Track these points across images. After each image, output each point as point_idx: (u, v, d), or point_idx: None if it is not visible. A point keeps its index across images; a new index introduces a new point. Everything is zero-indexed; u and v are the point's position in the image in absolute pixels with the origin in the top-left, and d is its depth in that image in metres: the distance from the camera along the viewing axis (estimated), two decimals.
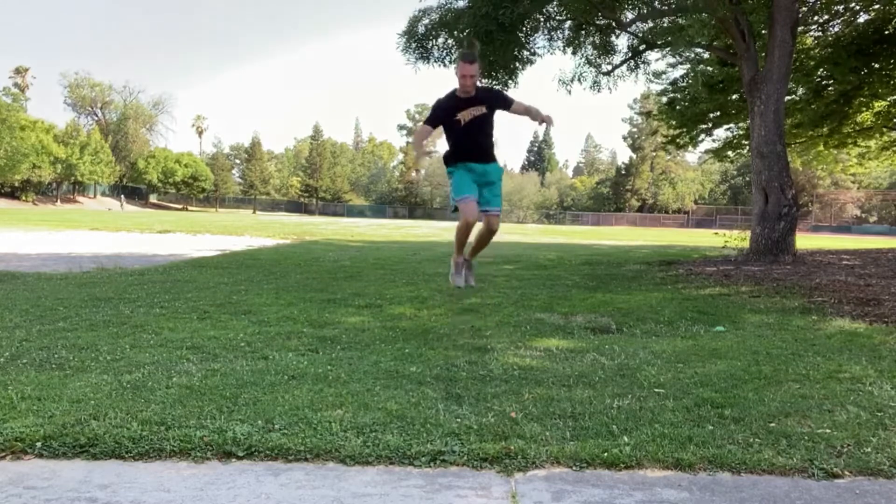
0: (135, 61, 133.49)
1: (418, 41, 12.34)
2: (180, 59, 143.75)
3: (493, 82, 12.77)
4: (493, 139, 4.87)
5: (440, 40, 12.41)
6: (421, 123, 4.82)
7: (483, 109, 4.68)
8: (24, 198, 56.89)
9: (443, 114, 4.71)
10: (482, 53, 11.76)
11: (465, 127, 4.69)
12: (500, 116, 4.79)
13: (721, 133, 19.70)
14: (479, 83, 4.72)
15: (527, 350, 4.76)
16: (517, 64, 12.60)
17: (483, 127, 4.75)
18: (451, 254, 5.04)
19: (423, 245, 18.59)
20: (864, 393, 3.74)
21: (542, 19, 12.13)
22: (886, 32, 13.98)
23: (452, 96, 4.70)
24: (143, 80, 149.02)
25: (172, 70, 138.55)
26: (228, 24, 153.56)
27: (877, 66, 14.81)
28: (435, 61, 12.59)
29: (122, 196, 66.77)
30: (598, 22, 12.69)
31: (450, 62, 12.58)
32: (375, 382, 3.79)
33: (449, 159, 4.85)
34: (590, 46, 13.17)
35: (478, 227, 4.96)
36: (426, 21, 12.22)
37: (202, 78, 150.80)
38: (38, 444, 2.77)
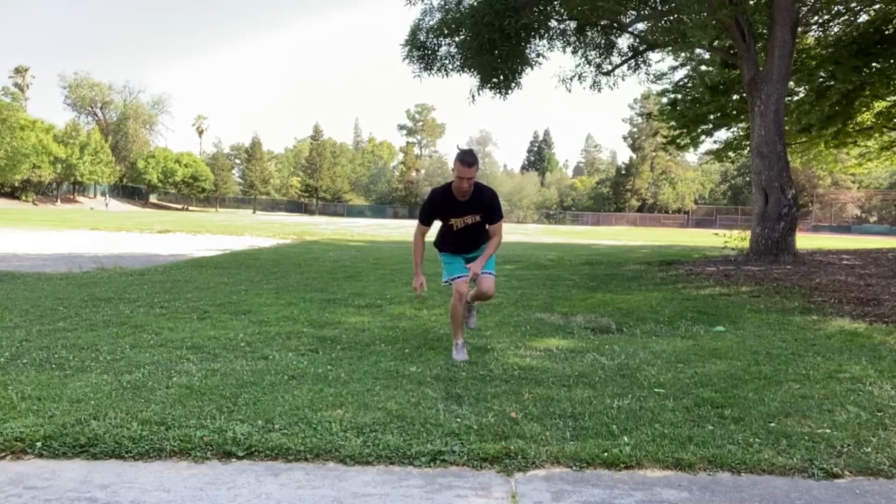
0: (135, 61, 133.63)
1: (421, 50, 12.35)
2: (181, 59, 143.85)
3: (496, 84, 12.77)
4: (486, 233, 4.70)
5: (442, 49, 12.42)
6: (417, 223, 4.68)
7: (478, 218, 4.55)
8: (24, 198, 56.86)
9: (436, 213, 4.60)
10: (486, 61, 11.77)
11: (457, 232, 4.60)
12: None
13: (721, 134, 19.72)
14: (476, 180, 4.52)
15: (527, 350, 4.76)
16: (519, 66, 12.60)
17: (475, 232, 4.62)
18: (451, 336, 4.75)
19: None
20: (864, 393, 3.74)
21: (544, 25, 12.13)
22: (887, 32, 13.97)
23: (448, 195, 4.50)
24: (142, 79, 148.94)
25: (173, 70, 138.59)
26: (229, 25, 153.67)
27: (877, 66, 14.80)
28: (438, 70, 12.61)
29: (107, 194, 66.20)
30: (599, 23, 12.69)
31: (452, 69, 12.59)
32: (375, 382, 3.79)
33: (439, 246, 4.79)
34: (591, 47, 13.17)
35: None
36: (427, 29, 12.22)
37: (202, 78, 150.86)
38: (38, 444, 2.77)
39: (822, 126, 16.71)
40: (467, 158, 4.33)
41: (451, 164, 4.62)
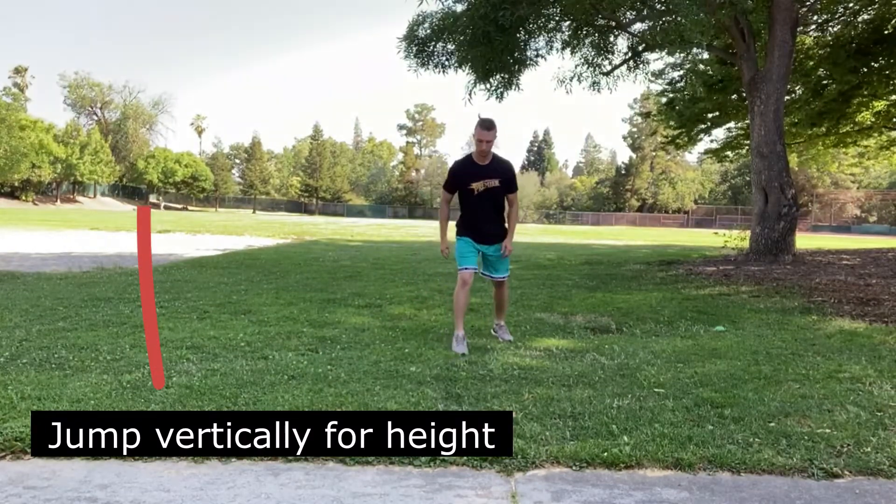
0: (135, 61, 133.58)
1: (419, 46, 12.31)
2: (180, 59, 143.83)
3: (493, 85, 12.74)
4: (504, 214, 5.04)
5: (440, 45, 12.37)
6: (442, 190, 5.10)
7: (496, 182, 4.84)
8: (24, 198, 56.85)
9: (459, 179, 4.90)
10: (480, 54, 11.74)
11: (477, 197, 4.87)
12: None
13: (720, 133, 19.74)
14: (494, 150, 4.88)
15: (527, 350, 4.76)
16: (516, 66, 12.57)
17: (493, 203, 4.92)
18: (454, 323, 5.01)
19: (423, 245, 18.58)
20: (863, 393, 3.74)
21: (541, 21, 12.08)
22: (886, 32, 13.98)
23: (469, 161, 4.88)
24: (143, 79, 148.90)
25: (172, 69, 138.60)
26: (229, 24, 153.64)
27: (876, 65, 14.81)
28: (435, 66, 12.56)
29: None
30: (597, 23, 12.67)
31: (450, 66, 12.55)
32: (375, 382, 3.79)
33: (459, 228, 5.04)
34: (589, 47, 13.13)
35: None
36: (426, 25, 12.18)
37: (202, 77, 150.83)
38: None
39: (812, 122, 16.71)
40: (486, 123, 4.71)
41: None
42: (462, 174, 4.89)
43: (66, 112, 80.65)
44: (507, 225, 5.04)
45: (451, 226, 5.11)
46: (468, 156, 4.92)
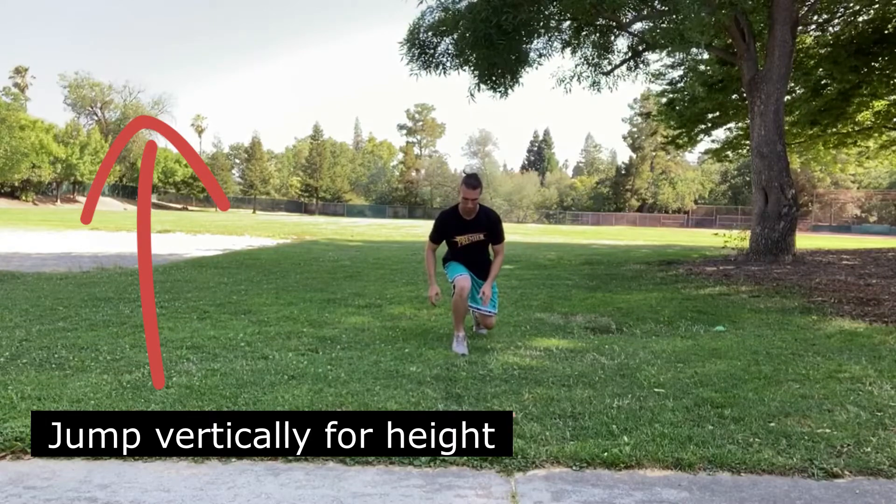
0: (135, 61, 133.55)
1: (420, 49, 12.30)
2: (180, 59, 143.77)
3: (495, 85, 12.74)
4: (490, 257, 5.14)
5: (441, 47, 12.37)
6: (427, 240, 5.13)
7: (481, 236, 4.96)
8: (24, 198, 56.84)
9: (444, 231, 5.02)
10: (483, 56, 11.75)
11: (462, 248, 5.01)
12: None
13: (720, 133, 19.75)
14: (480, 204, 4.94)
15: (527, 350, 4.76)
16: (517, 66, 12.57)
17: (479, 252, 5.04)
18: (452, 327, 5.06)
19: (423, 245, 18.58)
20: (864, 393, 3.74)
21: (542, 22, 12.08)
22: (886, 32, 13.99)
23: (455, 215, 4.94)
24: (143, 79, 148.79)
25: (172, 69, 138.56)
26: (229, 24, 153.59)
27: (876, 65, 14.82)
28: (436, 69, 12.55)
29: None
30: (598, 23, 12.67)
31: (451, 68, 12.55)
32: (375, 382, 3.79)
33: (446, 260, 5.16)
34: (589, 47, 13.14)
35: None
36: (426, 26, 12.17)
37: (203, 77, 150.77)
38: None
39: (812, 121, 16.72)
40: (471, 182, 4.76)
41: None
42: (448, 227, 4.98)
43: (66, 112, 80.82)
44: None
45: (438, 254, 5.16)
46: (454, 208, 4.96)
